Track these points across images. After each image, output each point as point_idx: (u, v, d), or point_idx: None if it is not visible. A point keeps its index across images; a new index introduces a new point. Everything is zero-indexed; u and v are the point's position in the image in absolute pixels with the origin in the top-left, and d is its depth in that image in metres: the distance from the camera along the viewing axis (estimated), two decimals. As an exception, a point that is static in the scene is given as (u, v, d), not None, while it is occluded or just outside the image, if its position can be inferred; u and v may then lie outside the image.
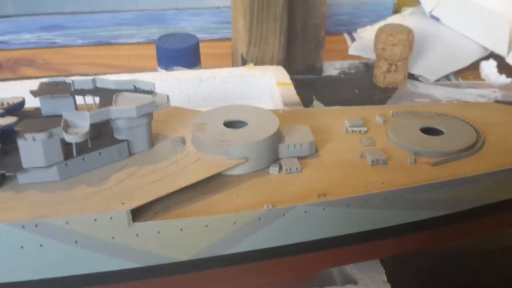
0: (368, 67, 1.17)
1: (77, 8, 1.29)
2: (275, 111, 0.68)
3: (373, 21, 1.32)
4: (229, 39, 1.14)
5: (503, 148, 0.64)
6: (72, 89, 0.61)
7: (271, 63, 1.04)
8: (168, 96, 0.60)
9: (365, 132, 0.67)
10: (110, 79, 0.62)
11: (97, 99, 0.61)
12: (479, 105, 0.77)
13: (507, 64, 1.14)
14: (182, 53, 1.04)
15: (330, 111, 0.72)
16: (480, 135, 0.66)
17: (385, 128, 0.67)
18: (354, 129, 0.67)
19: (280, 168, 0.60)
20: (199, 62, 1.07)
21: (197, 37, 1.06)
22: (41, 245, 0.52)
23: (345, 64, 1.19)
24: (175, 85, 0.97)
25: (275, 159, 0.61)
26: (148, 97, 0.59)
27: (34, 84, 0.62)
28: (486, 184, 0.62)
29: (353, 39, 1.30)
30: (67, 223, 0.52)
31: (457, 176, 0.60)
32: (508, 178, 0.62)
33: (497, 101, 0.76)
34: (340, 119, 0.69)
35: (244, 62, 1.05)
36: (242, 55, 1.04)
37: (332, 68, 1.17)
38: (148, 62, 1.17)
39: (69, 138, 0.53)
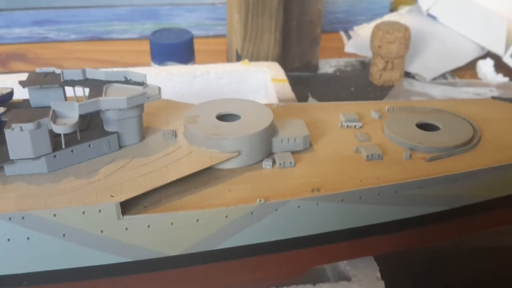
0: (364, 65, 1.17)
1: (70, 2, 1.28)
2: (269, 105, 0.67)
3: (369, 19, 1.32)
4: (224, 36, 1.13)
5: (500, 144, 0.64)
6: (62, 80, 0.60)
7: (266, 59, 1.04)
8: (159, 88, 0.59)
9: (360, 127, 0.66)
10: (101, 70, 0.60)
11: (87, 91, 0.60)
12: (475, 101, 0.76)
13: (504, 63, 1.13)
14: (176, 48, 1.03)
15: (325, 106, 0.71)
16: (477, 131, 0.65)
17: (380, 123, 0.66)
18: (349, 124, 0.66)
19: (274, 162, 0.59)
20: (193, 58, 1.06)
21: (191, 32, 1.05)
22: (28, 238, 0.51)
23: (341, 61, 1.18)
24: (168, 80, 0.95)
25: (269, 153, 0.60)
26: (139, 89, 0.58)
27: (24, 77, 0.61)
28: (482, 180, 0.61)
29: (349, 37, 1.30)
30: (54, 215, 0.51)
31: (453, 172, 0.59)
32: (505, 174, 0.61)
33: (493, 98, 0.75)
34: (335, 114, 0.68)
35: (239, 58, 1.04)
36: (237, 50, 1.03)
37: (328, 65, 1.16)
38: (142, 58, 1.16)
39: (57, 128, 0.52)
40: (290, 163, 0.59)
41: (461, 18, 1.19)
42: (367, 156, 0.60)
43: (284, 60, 1.07)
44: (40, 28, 1.28)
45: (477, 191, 0.62)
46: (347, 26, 1.34)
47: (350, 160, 0.60)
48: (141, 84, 0.59)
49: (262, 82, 0.98)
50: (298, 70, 1.12)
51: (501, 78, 1.09)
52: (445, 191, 0.60)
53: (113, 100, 0.55)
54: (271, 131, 0.60)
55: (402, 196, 0.58)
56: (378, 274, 0.61)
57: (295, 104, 0.76)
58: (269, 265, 0.59)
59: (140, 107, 0.58)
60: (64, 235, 0.51)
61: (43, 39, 1.29)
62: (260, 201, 0.54)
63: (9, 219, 0.50)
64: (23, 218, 0.50)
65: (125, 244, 0.53)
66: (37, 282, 0.54)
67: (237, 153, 0.58)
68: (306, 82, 1.10)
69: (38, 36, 1.28)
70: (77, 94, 0.62)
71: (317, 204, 0.56)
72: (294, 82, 0.97)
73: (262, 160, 0.59)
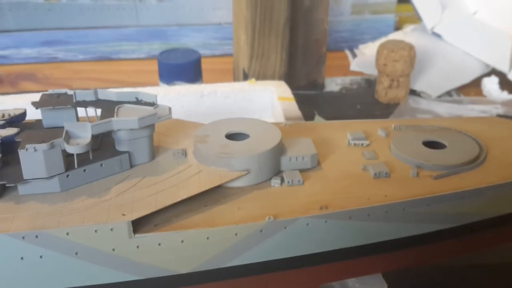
0: (370, 83, 1.18)
1: (78, 23, 1.29)
2: (277, 124, 0.68)
3: (374, 38, 1.33)
4: (230, 55, 1.14)
5: (506, 161, 0.64)
6: (74, 100, 0.61)
7: (272, 78, 1.05)
8: (170, 108, 0.60)
9: (368, 145, 0.66)
10: (112, 91, 0.62)
11: (99, 111, 0.61)
12: (481, 119, 0.77)
13: (509, 81, 1.14)
14: (184, 68, 1.04)
15: (332, 125, 0.72)
16: (483, 148, 0.66)
17: (387, 141, 0.67)
18: (356, 142, 0.66)
19: (282, 180, 0.60)
20: (201, 77, 1.07)
21: (198, 52, 1.07)
22: (41, 257, 0.52)
23: (346, 80, 1.19)
24: (176, 99, 0.97)
25: (277, 172, 0.61)
26: (150, 109, 0.59)
27: (35, 97, 0.62)
28: (489, 197, 0.61)
29: (354, 56, 1.31)
30: (67, 234, 0.51)
31: (460, 189, 0.59)
32: (511, 191, 0.62)
33: (499, 115, 0.76)
34: (342, 133, 0.68)
35: (245, 77, 1.05)
36: (243, 70, 1.05)
37: (333, 84, 1.17)
38: (150, 78, 1.17)
39: (70, 149, 0.53)
40: (299, 181, 0.60)
41: (465, 36, 1.20)
42: (375, 174, 0.61)
43: (290, 78, 1.08)
44: (49, 48, 1.30)
45: (484, 208, 0.62)
46: (352, 44, 1.35)
47: (357, 178, 0.61)
48: (152, 104, 0.60)
49: (269, 100, 0.99)
50: (304, 88, 1.13)
51: (506, 95, 1.09)
52: (453, 209, 0.60)
53: (124, 121, 0.56)
54: (279, 149, 0.61)
55: (410, 213, 0.59)
56: (387, 291, 0.61)
57: (303, 122, 0.77)
58: (278, 283, 0.59)
59: (151, 127, 0.59)
60: (76, 253, 0.52)
61: (52, 59, 1.30)
62: (269, 219, 0.55)
63: (23, 238, 0.51)
64: (36, 236, 0.51)
65: (136, 262, 0.54)
66: (50, 300, 0.54)
67: (246, 172, 0.58)
68: (312, 100, 1.11)
69: (47, 56, 1.30)
70: (89, 115, 0.63)
71: (325, 221, 0.56)
72: (301, 101, 0.98)
73: (270, 179, 0.60)
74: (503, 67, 1.15)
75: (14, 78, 1.24)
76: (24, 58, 1.30)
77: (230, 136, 0.62)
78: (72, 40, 1.30)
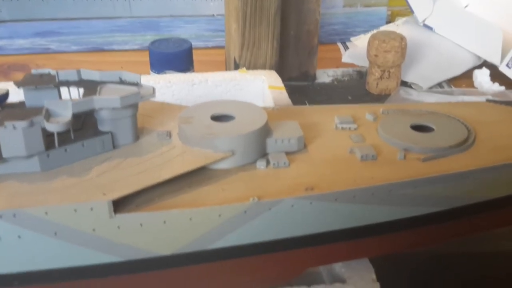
0: (361, 74, 1.17)
1: (71, 14, 1.29)
2: (264, 108, 0.67)
3: (366, 31, 1.32)
4: (223, 47, 1.13)
5: (494, 145, 0.63)
6: (57, 80, 0.60)
7: (264, 68, 1.04)
8: (154, 88, 0.59)
9: (355, 129, 0.66)
10: (96, 71, 0.61)
11: (82, 91, 0.60)
12: (470, 104, 0.76)
13: (500, 73, 1.14)
14: (175, 57, 1.03)
15: (320, 109, 0.71)
16: (471, 132, 0.65)
17: (375, 125, 0.66)
18: (344, 126, 0.66)
19: (268, 162, 0.59)
20: (192, 67, 1.06)
21: (190, 41, 1.06)
22: (19, 237, 0.51)
23: (338, 71, 1.19)
24: (167, 88, 0.96)
25: (263, 154, 0.60)
26: (133, 88, 0.58)
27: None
28: (478, 180, 0.60)
29: (346, 48, 1.30)
30: (46, 213, 0.50)
31: (447, 172, 0.58)
32: (500, 175, 0.61)
33: (488, 100, 0.75)
34: (330, 117, 0.68)
35: (237, 67, 1.04)
36: (234, 59, 1.04)
37: (325, 75, 1.17)
38: (142, 69, 1.16)
39: (50, 126, 0.52)
40: (284, 163, 0.59)
41: (456, 28, 1.19)
42: (361, 157, 0.60)
43: (282, 69, 1.07)
44: (42, 39, 1.29)
45: (473, 192, 0.61)
46: (344, 37, 1.34)
47: (344, 160, 0.60)
48: (136, 84, 0.59)
49: (259, 89, 0.98)
50: (296, 79, 1.12)
51: (497, 87, 1.09)
52: (441, 191, 0.60)
53: (106, 99, 0.56)
54: (265, 131, 0.60)
55: (396, 196, 0.58)
56: (374, 276, 0.60)
57: (291, 107, 0.76)
58: (263, 266, 0.58)
59: (134, 106, 0.58)
60: (55, 233, 0.51)
61: (45, 50, 1.29)
62: (253, 199, 0.54)
63: (0, 216, 0.50)
64: (14, 215, 0.50)
65: (117, 243, 0.53)
66: (28, 282, 0.53)
67: (231, 153, 0.58)
68: (303, 91, 1.10)
69: (40, 47, 1.29)
70: (72, 96, 0.62)
71: (310, 203, 0.55)
72: (292, 91, 0.98)
73: (256, 161, 0.59)
74: (494, 59, 1.15)
75: (7, 68, 1.24)
76: (18, 49, 1.29)
77: (216, 118, 0.61)
78: (65, 31, 1.29)
